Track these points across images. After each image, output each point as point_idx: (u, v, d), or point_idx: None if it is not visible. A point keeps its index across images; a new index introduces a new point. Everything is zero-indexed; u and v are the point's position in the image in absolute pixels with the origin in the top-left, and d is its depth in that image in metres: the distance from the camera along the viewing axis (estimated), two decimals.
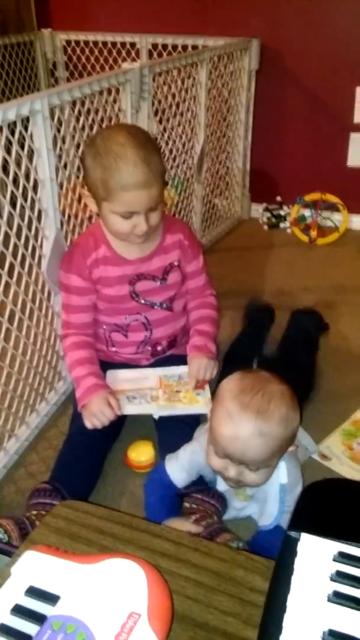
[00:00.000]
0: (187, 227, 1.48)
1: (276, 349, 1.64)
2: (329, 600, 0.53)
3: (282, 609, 0.53)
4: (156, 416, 1.33)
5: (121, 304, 1.38)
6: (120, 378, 1.41)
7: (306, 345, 1.63)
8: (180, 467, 1.16)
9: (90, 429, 1.27)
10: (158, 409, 1.32)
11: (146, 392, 1.37)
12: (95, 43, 2.63)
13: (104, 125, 1.56)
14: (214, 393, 1.17)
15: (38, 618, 0.50)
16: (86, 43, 2.64)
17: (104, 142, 1.20)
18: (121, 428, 1.40)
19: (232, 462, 1.01)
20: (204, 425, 1.25)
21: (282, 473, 1.07)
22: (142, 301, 1.38)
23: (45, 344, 1.48)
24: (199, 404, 1.32)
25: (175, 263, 1.39)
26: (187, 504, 1.13)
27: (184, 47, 2.43)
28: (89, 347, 1.38)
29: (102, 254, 1.33)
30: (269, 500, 1.10)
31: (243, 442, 0.97)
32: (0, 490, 1.31)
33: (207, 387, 1.36)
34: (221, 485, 1.15)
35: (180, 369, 1.41)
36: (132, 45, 2.58)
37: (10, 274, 1.26)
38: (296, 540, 0.59)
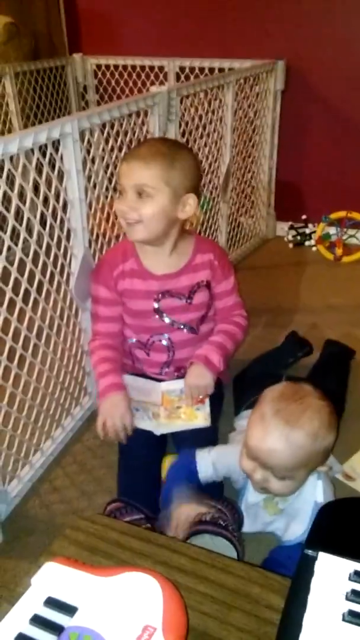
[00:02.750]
0: (218, 247, 1.48)
1: (307, 374, 1.63)
2: (344, 619, 0.53)
3: (297, 627, 0.53)
4: (157, 433, 1.34)
5: (145, 320, 1.39)
6: (130, 385, 1.40)
7: (337, 370, 1.62)
8: (209, 461, 1.18)
9: (101, 433, 1.31)
10: (158, 427, 1.34)
11: (149, 407, 1.37)
12: (125, 67, 2.70)
13: (132, 147, 1.60)
14: None
15: (56, 628, 0.51)
16: (116, 67, 2.72)
17: None
18: (166, 442, 1.39)
19: (259, 465, 1.03)
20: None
21: (319, 492, 1.08)
22: (167, 320, 1.38)
23: (72, 360, 1.51)
24: (197, 420, 1.33)
25: (204, 283, 1.39)
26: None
27: (211, 70, 2.48)
28: (113, 349, 1.40)
29: (130, 266, 1.36)
30: (299, 517, 1.10)
31: (269, 445, 0.99)
32: (25, 503, 1.33)
33: (207, 401, 1.36)
34: (251, 497, 1.15)
35: (182, 385, 1.40)
36: (160, 68, 2.64)
37: (39, 291, 1.30)
38: (313, 558, 0.59)
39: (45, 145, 1.22)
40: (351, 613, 0.53)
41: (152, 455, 1.34)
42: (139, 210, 1.25)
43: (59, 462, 1.45)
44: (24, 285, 1.23)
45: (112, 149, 1.51)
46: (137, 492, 1.24)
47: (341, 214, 2.53)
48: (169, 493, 1.16)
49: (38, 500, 1.34)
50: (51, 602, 0.54)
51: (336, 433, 1.04)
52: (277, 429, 0.99)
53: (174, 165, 1.23)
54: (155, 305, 1.37)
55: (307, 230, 2.68)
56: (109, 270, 1.37)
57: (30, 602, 0.54)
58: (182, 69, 2.59)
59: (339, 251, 2.51)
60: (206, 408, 1.35)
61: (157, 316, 1.39)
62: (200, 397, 1.36)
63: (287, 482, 1.04)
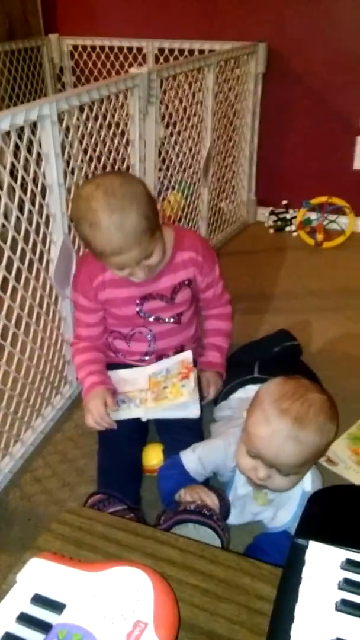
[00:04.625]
0: (200, 241, 1.42)
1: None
2: (337, 608, 0.53)
3: (289, 618, 0.52)
4: (144, 419, 1.33)
5: (128, 320, 1.38)
6: (115, 379, 1.40)
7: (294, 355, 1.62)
8: (196, 460, 1.17)
9: (92, 427, 1.31)
10: (145, 412, 1.33)
11: (135, 395, 1.37)
12: (102, 48, 2.64)
13: (111, 131, 1.56)
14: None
15: (43, 627, 0.50)
16: (93, 48, 2.66)
17: (82, 203, 1.16)
18: (147, 432, 1.39)
19: (263, 464, 1.02)
20: (230, 422, 1.25)
21: (307, 481, 1.08)
22: (151, 319, 1.38)
23: (51, 349, 1.48)
24: (183, 397, 1.31)
25: (186, 282, 1.37)
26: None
27: (191, 52, 2.44)
28: (93, 351, 1.40)
29: (109, 276, 1.31)
30: (286, 506, 1.10)
31: (277, 445, 0.98)
32: (6, 495, 1.31)
33: (192, 375, 1.34)
34: (240, 489, 1.15)
35: (169, 362, 1.40)
36: (139, 50, 2.58)
37: (17, 278, 1.26)
38: (304, 547, 0.59)
39: (22, 128, 1.19)
40: (344, 602, 0.53)
41: (132, 445, 1.32)
42: (149, 263, 1.23)
43: (40, 452, 1.43)
44: (1, 273, 1.20)
45: (90, 133, 1.48)
46: (117, 482, 1.23)
47: (322, 199, 2.52)
48: (167, 492, 1.16)
49: (19, 492, 1.32)
50: (38, 600, 0.52)
51: (337, 423, 1.04)
52: (285, 430, 0.97)
53: (138, 228, 1.15)
54: (138, 309, 1.36)
55: (288, 216, 2.67)
56: (88, 280, 1.34)
57: (16, 600, 0.52)
58: (161, 50, 2.54)
59: (319, 236, 2.51)
60: (191, 383, 1.33)
61: (140, 317, 1.38)
62: (188, 367, 1.36)
63: (291, 478, 1.04)
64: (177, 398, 1.31)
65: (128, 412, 1.33)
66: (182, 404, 1.30)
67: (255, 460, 1.04)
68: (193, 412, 1.30)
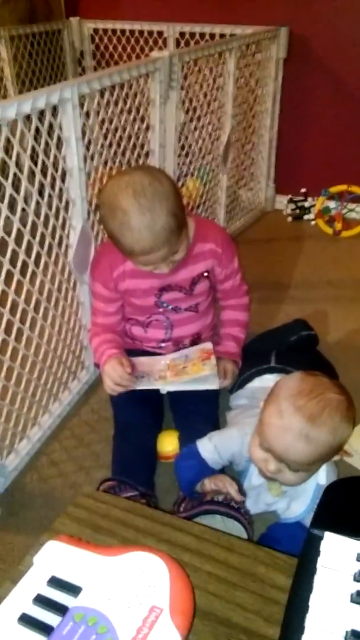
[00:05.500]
0: (219, 232, 1.42)
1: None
2: (352, 600, 0.53)
3: (304, 608, 0.52)
4: (164, 391, 1.34)
5: (147, 309, 1.39)
6: (134, 363, 1.41)
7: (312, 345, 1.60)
8: (212, 449, 1.16)
9: (110, 394, 1.32)
10: (165, 384, 1.33)
11: (155, 373, 1.37)
12: (123, 32, 2.61)
13: (131, 116, 1.55)
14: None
15: (60, 609, 0.50)
16: (114, 31, 2.63)
17: (110, 201, 1.16)
18: (162, 419, 1.40)
19: (274, 457, 1.02)
20: (247, 411, 1.25)
21: (322, 474, 1.07)
22: (169, 308, 1.38)
23: (69, 334, 1.49)
24: (204, 371, 1.32)
25: (205, 274, 1.37)
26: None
27: (212, 36, 2.41)
28: (111, 333, 1.40)
29: (130, 266, 1.31)
30: (301, 497, 1.10)
31: (288, 442, 0.98)
32: (23, 477, 1.33)
33: (212, 357, 1.35)
34: (255, 479, 1.15)
35: (188, 350, 1.41)
36: (160, 34, 2.56)
37: (36, 263, 1.27)
38: (319, 538, 0.59)
39: (41, 112, 1.18)
40: None
41: (148, 431, 1.33)
42: (175, 259, 1.24)
43: (56, 436, 1.45)
44: (21, 257, 1.20)
45: (111, 118, 1.47)
46: (131, 468, 1.23)
47: (341, 187, 2.49)
48: (187, 481, 1.16)
49: (36, 474, 1.34)
50: (55, 582, 0.53)
51: (354, 424, 1.03)
52: (297, 427, 0.97)
53: (167, 227, 1.15)
54: (157, 299, 1.36)
55: (307, 204, 2.64)
56: (109, 269, 1.33)
57: (33, 582, 0.53)
58: (182, 34, 2.51)
59: (338, 225, 2.48)
60: (212, 361, 1.34)
61: (158, 307, 1.38)
62: (209, 352, 1.37)
63: (300, 474, 1.03)
64: (198, 372, 1.32)
65: (147, 384, 1.33)
66: (203, 376, 1.31)
67: (267, 453, 1.03)
68: (214, 384, 1.31)
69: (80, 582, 0.52)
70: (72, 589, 0.52)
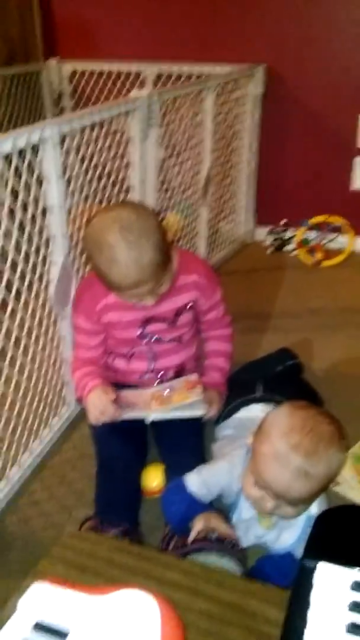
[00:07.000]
0: (202, 264, 1.45)
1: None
2: (348, 631, 0.52)
3: None
4: (149, 421, 1.32)
5: (129, 342, 1.38)
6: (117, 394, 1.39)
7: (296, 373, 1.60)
8: (201, 483, 1.14)
9: (95, 424, 1.31)
10: (151, 413, 1.32)
11: (140, 403, 1.36)
12: (101, 73, 2.66)
13: (111, 153, 1.57)
14: None
15: None
16: (92, 73, 2.68)
17: (97, 237, 1.17)
18: (147, 453, 1.38)
19: (271, 495, 1.01)
20: (234, 442, 1.23)
21: (312, 505, 1.06)
22: (152, 340, 1.38)
23: (50, 370, 1.47)
24: (191, 398, 1.31)
25: (188, 306, 1.38)
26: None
27: (189, 76, 2.47)
28: (94, 366, 1.40)
29: (113, 299, 1.31)
30: (291, 528, 1.09)
31: (287, 481, 0.97)
32: (3, 519, 1.29)
33: (199, 386, 1.36)
34: (245, 512, 1.13)
35: (173, 382, 1.41)
36: (137, 75, 2.62)
37: (17, 299, 1.26)
38: (312, 569, 0.57)
39: (20, 152, 1.19)
40: (355, 625, 0.51)
41: (132, 467, 1.30)
42: (159, 292, 1.26)
43: (37, 474, 1.41)
44: (1, 294, 1.20)
45: (91, 156, 1.49)
46: (116, 504, 1.21)
47: (321, 218, 2.54)
48: (177, 517, 1.13)
49: (16, 516, 1.30)
50: (40, 627, 0.50)
51: (345, 451, 1.03)
52: (295, 466, 0.96)
53: (154, 261, 1.17)
54: (140, 332, 1.36)
55: (287, 235, 2.68)
56: (92, 303, 1.34)
57: (18, 628, 0.51)
58: (159, 76, 2.58)
59: (318, 255, 2.52)
60: (198, 389, 1.34)
61: (142, 339, 1.38)
62: (194, 382, 1.37)
63: (300, 507, 1.03)
64: (185, 399, 1.31)
65: (132, 413, 1.32)
66: (190, 403, 1.30)
67: (263, 490, 1.02)
68: (200, 409, 1.30)
69: (68, 625, 0.50)
70: (59, 634, 0.50)
